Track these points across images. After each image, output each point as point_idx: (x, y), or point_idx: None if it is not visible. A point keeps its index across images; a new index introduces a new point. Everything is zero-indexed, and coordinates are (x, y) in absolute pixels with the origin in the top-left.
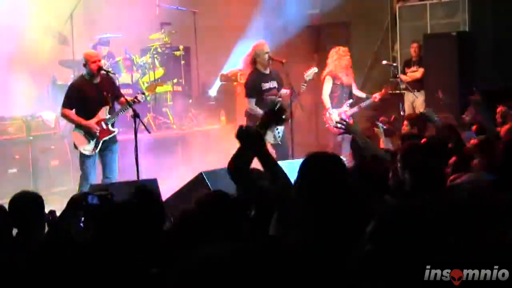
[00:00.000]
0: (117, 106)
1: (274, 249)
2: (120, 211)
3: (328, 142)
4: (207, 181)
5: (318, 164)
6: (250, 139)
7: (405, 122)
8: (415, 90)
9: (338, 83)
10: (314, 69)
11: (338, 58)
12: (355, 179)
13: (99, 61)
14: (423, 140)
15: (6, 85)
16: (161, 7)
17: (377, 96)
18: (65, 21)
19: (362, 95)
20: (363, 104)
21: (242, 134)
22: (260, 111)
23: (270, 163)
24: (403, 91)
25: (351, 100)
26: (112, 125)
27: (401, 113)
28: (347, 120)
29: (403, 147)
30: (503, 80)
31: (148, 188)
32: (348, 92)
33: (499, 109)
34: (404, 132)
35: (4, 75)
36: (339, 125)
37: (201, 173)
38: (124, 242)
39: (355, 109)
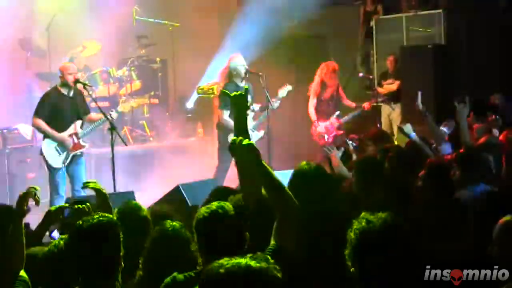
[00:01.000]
0: (85, 122)
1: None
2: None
3: (314, 154)
4: (184, 193)
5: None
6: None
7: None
8: (392, 103)
9: (322, 97)
10: (288, 87)
11: (321, 73)
12: None
13: (76, 73)
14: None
15: None
16: (138, 20)
17: (366, 105)
18: (41, 33)
19: (352, 104)
20: (353, 114)
21: (234, 149)
22: (231, 123)
23: (267, 174)
24: (380, 104)
25: (338, 112)
26: (82, 140)
27: (378, 125)
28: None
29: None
30: (478, 93)
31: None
32: (333, 105)
33: (476, 126)
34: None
35: None
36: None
37: (178, 186)
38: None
39: (345, 118)
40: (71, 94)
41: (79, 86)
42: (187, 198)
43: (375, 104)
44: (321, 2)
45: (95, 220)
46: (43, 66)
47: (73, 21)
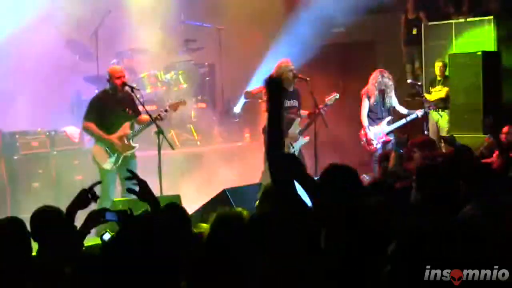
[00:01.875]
0: (135, 124)
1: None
2: (143, 225)
3: (361, 159)
4: (230, 198)
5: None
6: (286, 166)
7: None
8: (440, 110)
9: (374, 102)
10: (336, 95)
11: (372, 80)
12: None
13: (124, 76)
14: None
15: (31, 100)
16: (185, 24)
17: (419, 112)
18: (89, 36)
19: (404, 110)
20: (407, 119)
21: (276, 165)
22: None
23: (310, 184)
24: (428, 111)
25: (389, 117)
26: (132, 141)
27: (425, 132)
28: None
29: (417, 169)
30: None
31: (174, 204)
32: (387, 110)
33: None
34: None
35: (29, 89)
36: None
37: (224, 190)
38: (147, 255)
39: (396, 125)
40: (120, 96)
41: (127, 88)
42: (233, 203)
43: (427, 111)
44: (367, 9)
45: None
46: (91, 69)
47: (121, 24)
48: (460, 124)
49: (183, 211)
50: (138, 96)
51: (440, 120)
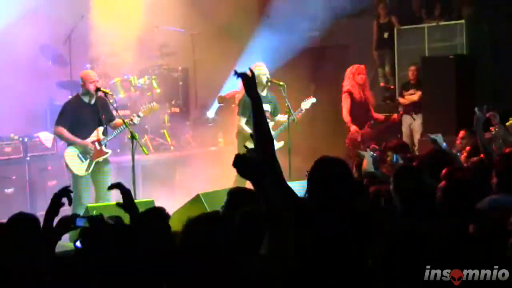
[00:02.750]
0: (109, 129)
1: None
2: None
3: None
4: (204, 202)
5: (326, 165)
6: (248, 166)
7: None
8: (413, 113)
9: (355, 101)
10: (312, 100)
11: (352, 76)
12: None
13: (97, 81)
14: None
15: (3, 105)
16: (159, 28)
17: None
18: (63, 41)
19: (381, 117)
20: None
21: (239, 162)
22: (249, 131)
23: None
24: (404, 115)
25: (372, 121)
26: (105, 146)
27: (398, 135)
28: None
29: (395, 171)
30: (501, 103)
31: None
32: (367, 112)
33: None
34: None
35: (1, 95)
36: None
37: (198, 194)
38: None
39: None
40: (93, 101)
41: (101, 93)
42: (207, 207)
43: (387, 115)
44: (341, 13)
45: None
46: (64, 74)
47: (94, 29)
48: (433, 127)
49: (165, 213)
50: (111, 101)
51: (413, 123)
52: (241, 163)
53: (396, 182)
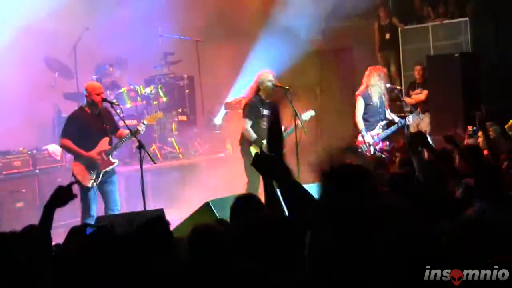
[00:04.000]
0: (114, 139)
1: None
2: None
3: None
4: (214, 210)
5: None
6: (269, 165)
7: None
8: (420, 112)
9: (371, 103)
10: (311, 112)
11: (375, 77)
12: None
13: (102, 92)
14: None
15: (11, 119)
16: (163, 37)
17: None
18: (68, 53)
19: (395, 118)
20: (394, 127)
21: (259, 161)
22: (253, 135)
23: (293, 188)
24: (408, 114)
25: (384, 122)
26: (111, 156)
27: (406, 135)
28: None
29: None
30: (506, 99)
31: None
32: (382, 113)
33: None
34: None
35: (9, 108)
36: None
37: (207, 202)
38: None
39: (388, 131)
40: (97, 112)
41: (106, 103)
42: (217, 214)
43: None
44: (343, 15)
45: None
46: (71, 86)
47: (99, 40)
48: (440, 126)
49: (165, 225)
50: (118, 111)
51: (421, 123)
52: (261, 161)
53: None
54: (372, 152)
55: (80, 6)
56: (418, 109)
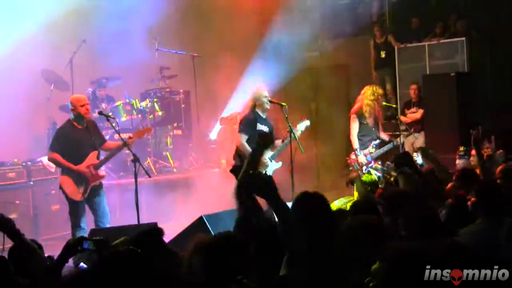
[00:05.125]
0: (102, 152)
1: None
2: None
3: (334, 182)
4: (207, 224)
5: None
6: (260, 185)
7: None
8: (414, 132)
9: (365, 122)
10: (306, 122)
11: (370, 96)
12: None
13: (87, 104)
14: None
15: (6, 131)
16: (160, 51)
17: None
18: (65, 65)
19: (385, 138)
20: (386, 147)
21: (250, 181)
22: (249, 149)
23: (281, 209)
24: (403, 133)
25: (378, 141)
26: (99, 170)
27: None
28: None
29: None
30: (502, 120)
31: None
32: (376, 132)
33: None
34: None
35: (4, 120)
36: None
37: (201, 217)
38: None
39: (381, 150)
40: (85, 126)
41: (91, 116)
42: (210, 229)
43: (390, 134)
44: (341, 33)
45: None
46: (66, 99)
47: (96, 53)
48: (435, 145)
49: (159, 238)
50: (113, 124)
51: (416, 142)
52: (253, 180)
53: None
54: (364, 172)
55: (77, 19)
56: (412, 129)
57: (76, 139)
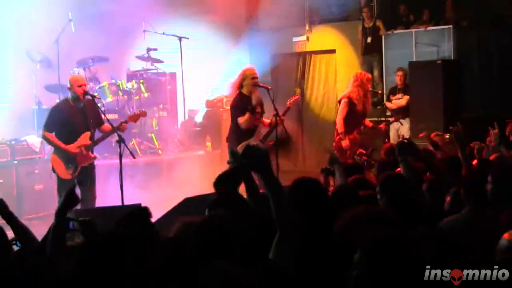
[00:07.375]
0: (97, 133)
1: (274, 275)
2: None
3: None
4: (192, 206)
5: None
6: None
7: (382, 152)
8: (400, 118)
9: (355, 109)
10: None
11: (360, 84)
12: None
13: (85, 85)
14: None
15: None
16: (147, 32)
17: (382, 126)
18: (51, 45)
19: (369, 124)
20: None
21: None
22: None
23: (274, 185)
24: (388, 119)
25: (362, 127)
26: (92, 151)
27: (386, 140)
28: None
29: (380, 177)
30: (488, 108)
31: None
32: (361, 120)
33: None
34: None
35: None
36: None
37: (186, 199)
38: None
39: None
40: (81, 105)
41: (89, 97)
42: (195, 211)
43: (376, 120)
44: (329, 17)
45: None
46: (52, 78)
47: (82, 33)
48: (420, 132)
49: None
50: (99, 105)
51: (401, 128)
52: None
53: (381, 187)
54: (348, 158)
55: None
56: (393, 118)
57: (70, 119)
